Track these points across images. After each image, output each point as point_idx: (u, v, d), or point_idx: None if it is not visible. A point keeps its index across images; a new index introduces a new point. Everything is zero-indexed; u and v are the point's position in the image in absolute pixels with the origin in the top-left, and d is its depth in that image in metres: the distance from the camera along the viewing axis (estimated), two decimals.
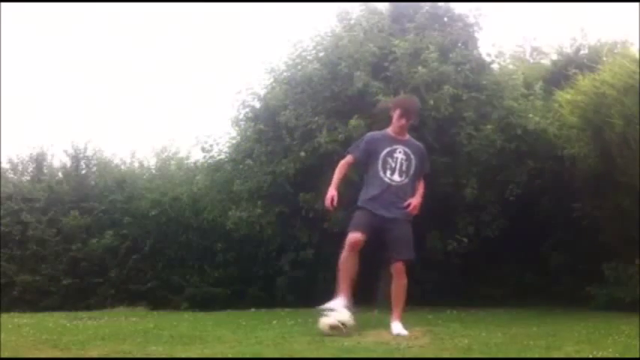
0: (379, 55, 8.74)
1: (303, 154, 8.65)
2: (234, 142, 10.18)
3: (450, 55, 8.77)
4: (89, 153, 13.40)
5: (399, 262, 5.37)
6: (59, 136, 27.63)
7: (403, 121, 5.46)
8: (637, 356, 4.15)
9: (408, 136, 5.58)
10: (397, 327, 5.22)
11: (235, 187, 9.45)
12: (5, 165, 13.54)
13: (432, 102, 8.34)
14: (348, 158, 5.63)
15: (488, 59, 9.53)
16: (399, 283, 5.39)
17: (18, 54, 24.56)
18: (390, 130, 5.55)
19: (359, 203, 5.51)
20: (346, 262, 5.34)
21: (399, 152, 5.44)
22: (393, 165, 5.41)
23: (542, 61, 11.59)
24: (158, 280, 12.10)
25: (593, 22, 22.32)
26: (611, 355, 4.16)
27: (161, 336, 5.25)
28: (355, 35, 8.85)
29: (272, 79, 9.38)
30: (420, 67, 8.38)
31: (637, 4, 11.01)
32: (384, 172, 5.39)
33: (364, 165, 5.56)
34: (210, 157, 10.61)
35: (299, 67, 9.17)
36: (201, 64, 26.36)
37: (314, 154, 8.56)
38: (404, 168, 5.42)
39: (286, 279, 10.45)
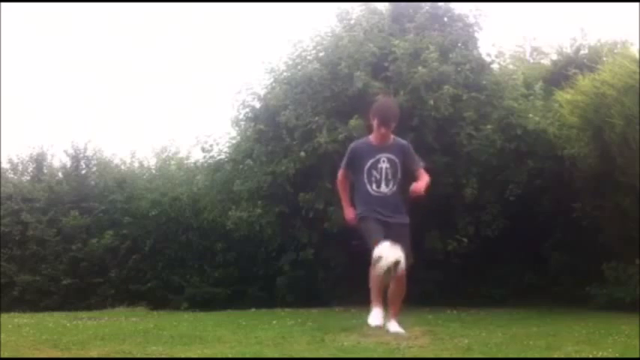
0: (379, 55, 8.74)
1: (303, 154, 8.65)
2: (234, 142, 10.19)
3: (450, 55, 8.77)
4: (89, 153, 13.39)
5: None
6: (59, 136, 27.67)
7: (383, 130, 5.38)
8: (637, 356, 4.15)
9: (392, 139, 5.49)
10: (394, 326, 5.21)
11: (235, 187, 9.45)
12: (5, 165, 13.54)
13: (432, 102, 8.35)
14: (343, 172, 5.61)
15: (488, 59, 9.53)
16: (398, 282, 5.37)
17: (18, 54, 24.56)
18: (372, 139, 5.50)
19: (361, 212, 5.47)
20: (378, 282, 5.10)
21: (383, 161, 5.37)
22: (378, 176, 5.36)
23: (542, 61, 11.58)
24: (158, 280, 12.08)
25: (593, 22, 22.37)
26: (611, 355, 4.16)
27: (161, 336, 5.25)
28: (355, 35, 8.85)
29: (272, 79, 9.38)
30: (420, 67, 8.38)
31: (637, 4, 11.03)
32: (370, 185, 5.35)
33: (353, 175, 5.55)
34: (210, 157, 10.61)
35: (299, 67, 9.17)
36: (201, 64, 26.36)
37: (314, 154, 8.56)
38: (390, 176, 5.36)
39: (286, 279, 10.43)
